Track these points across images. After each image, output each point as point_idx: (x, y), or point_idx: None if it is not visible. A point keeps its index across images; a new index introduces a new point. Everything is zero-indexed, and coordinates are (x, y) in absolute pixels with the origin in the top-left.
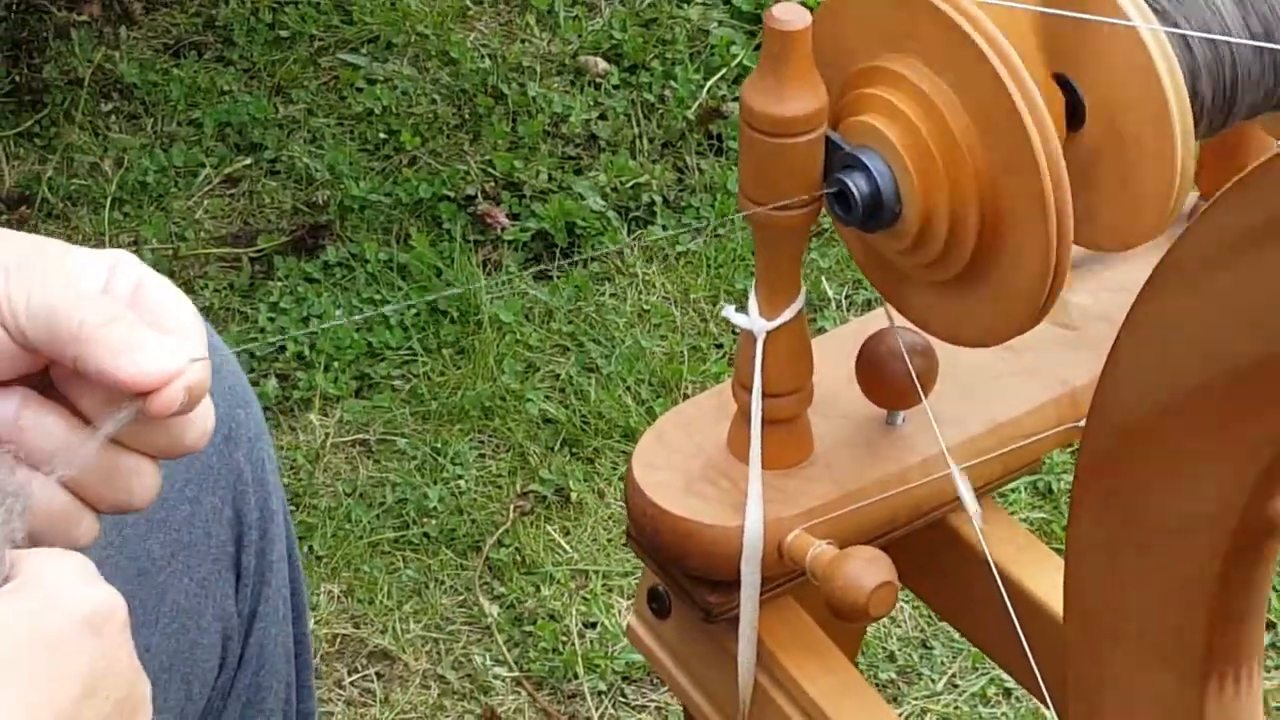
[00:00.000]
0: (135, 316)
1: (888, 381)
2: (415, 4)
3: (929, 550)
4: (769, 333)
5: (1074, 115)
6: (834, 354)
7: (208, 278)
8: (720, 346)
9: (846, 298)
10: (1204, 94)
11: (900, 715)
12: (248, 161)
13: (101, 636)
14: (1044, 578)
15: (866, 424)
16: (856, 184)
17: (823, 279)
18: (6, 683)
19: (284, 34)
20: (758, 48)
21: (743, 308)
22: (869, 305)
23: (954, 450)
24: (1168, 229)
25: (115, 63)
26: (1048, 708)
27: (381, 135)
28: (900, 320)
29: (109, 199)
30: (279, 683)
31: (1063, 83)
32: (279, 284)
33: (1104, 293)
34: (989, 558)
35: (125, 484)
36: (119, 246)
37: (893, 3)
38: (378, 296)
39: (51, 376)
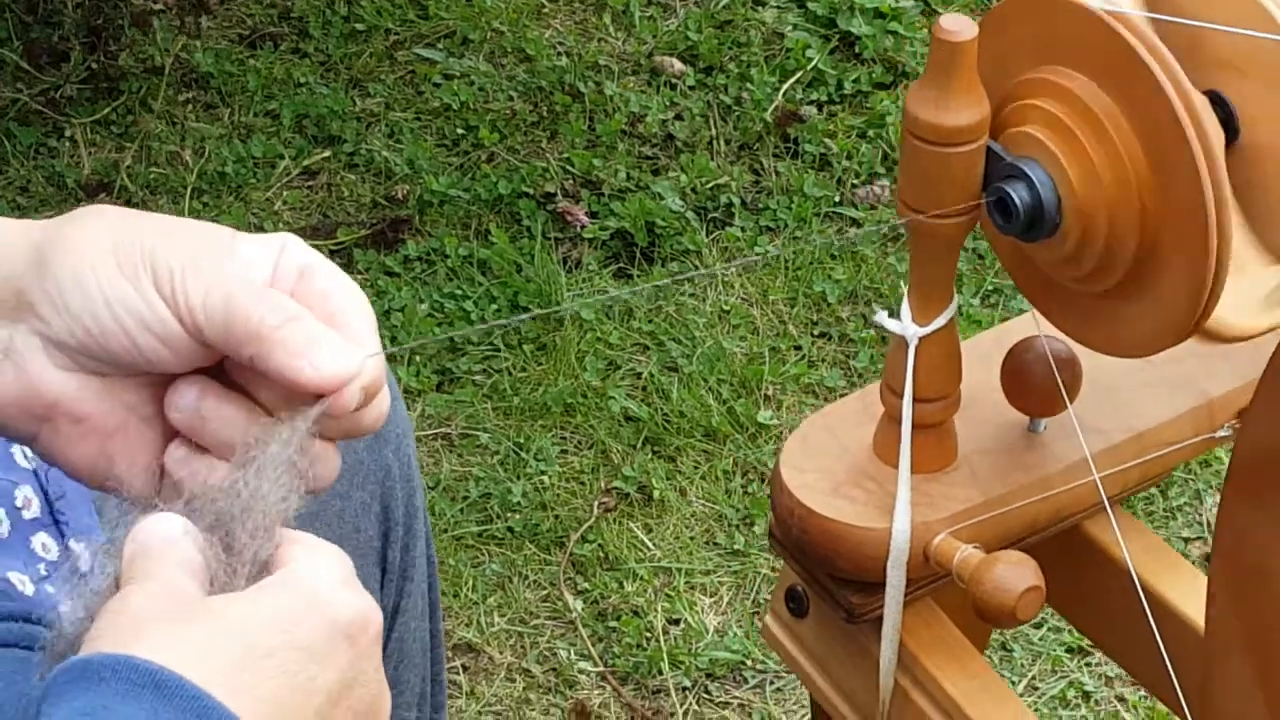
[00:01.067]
0: (311, 316)
1: (1034, 389)
2: (491, 0)
3: (1060, 554)
4: (921, 339)
5: (1227, 130)
6: (975, 360)
7: None
8: (799, 349)
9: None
10: None
11: None
12: (326, 154)
13: (356, 646)
14: (1179, 585)
15: (1008, 430)
16: (1018, 194)
17: (901, 283)
18: (256, 682)
19: (359, 27)
20: (832, 51)
21: (894, 313)
22: (960, 311)
23: (1096, 458)
24: None
25: (191, 52)
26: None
27: (460, 131)
28: (1046, 328)
29: (188, 188)
30: (416, 676)
31: (1215, 98)
32: (359, 276)
33: None
34: (1130, 566)
35: (310, 470)
36: None
37: (1056, 15)
38: (459, 292)
39: (225, 368)
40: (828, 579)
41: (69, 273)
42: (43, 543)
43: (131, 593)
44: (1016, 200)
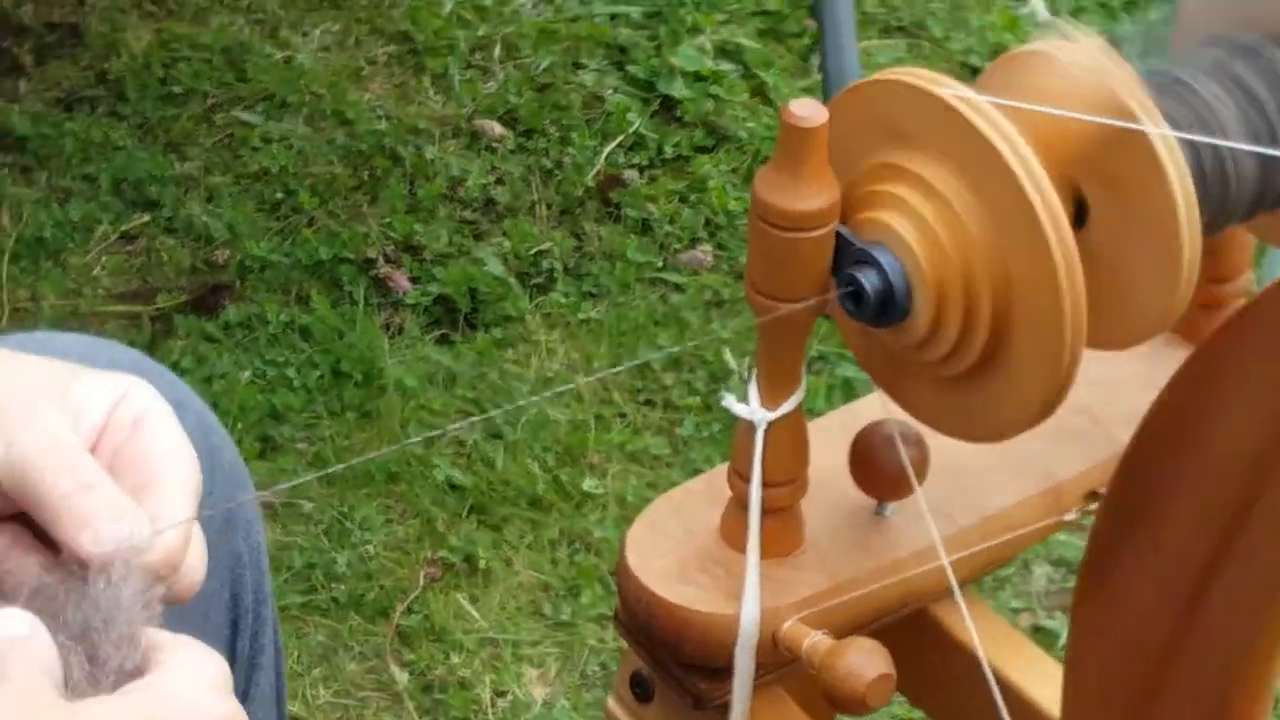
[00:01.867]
0: (109, 485)
1: (883, 472)
2: (309, 63)
3: (907, 637)
4: (770, 423)
5: (1076, 215)
6: (821, 442)
7: (107, 335)
8: (624, 416)
9: (750, 368)
10: (1207, 195)
11: None
12: (145, 219)
13: None
14: (1029, 670)
15: (856, 513)
16: (869, 279)
17: (725, 351)
18: None
19: (177, 90)
20: (653, 115)
21: (742, 397)
22: None
23: (945, 543)
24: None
25: (7, 115)
26: None
27: (279, 195)
28: (893, 409)
29: (5, 253)
30: None
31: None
32: (180, 343)
33: (1082, 386)
34: (980, 652)
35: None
36: (17, 301)
37: (904, 100)
38: (280, 358)
39: None
40: (675, 664)
41: None
42: None
43: None
44: (867, 286)
